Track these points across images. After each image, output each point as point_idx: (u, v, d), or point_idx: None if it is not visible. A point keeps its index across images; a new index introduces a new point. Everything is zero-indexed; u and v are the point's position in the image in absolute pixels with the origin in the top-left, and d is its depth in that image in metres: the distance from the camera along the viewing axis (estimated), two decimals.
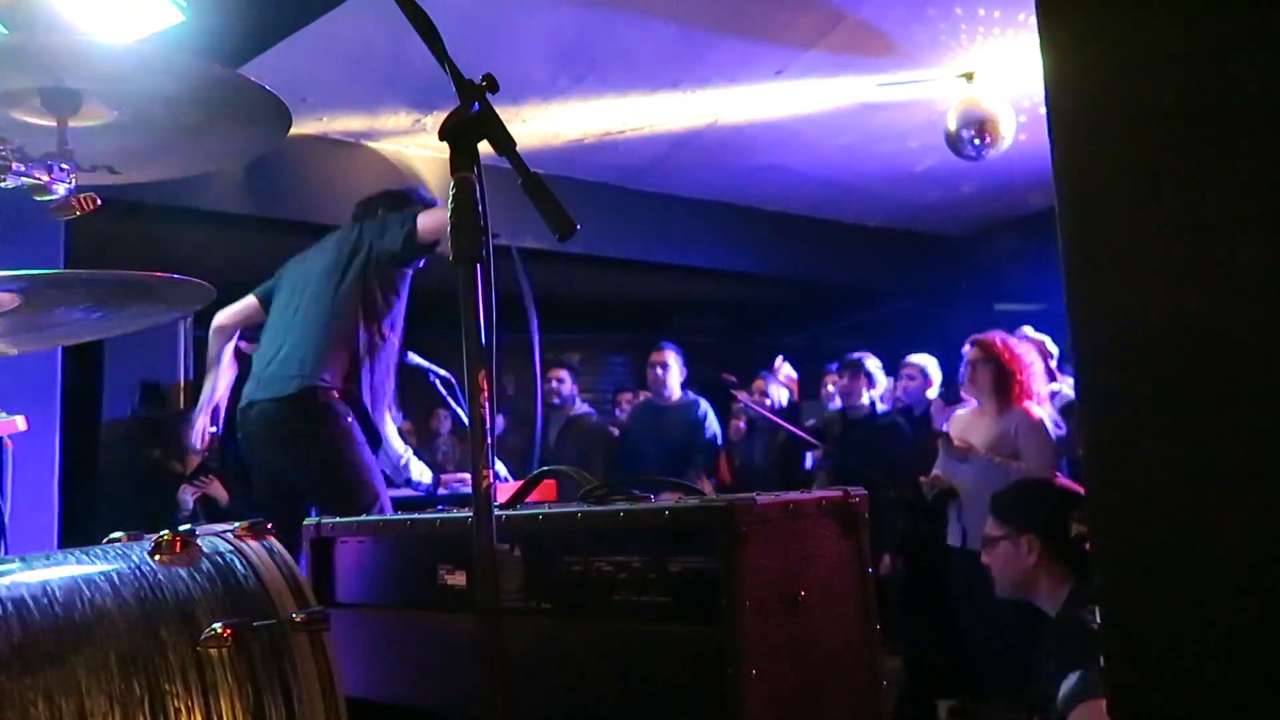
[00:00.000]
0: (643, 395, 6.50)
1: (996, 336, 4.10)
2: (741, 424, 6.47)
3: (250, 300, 3.40)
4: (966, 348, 4.16)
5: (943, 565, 4.40)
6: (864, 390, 5.37)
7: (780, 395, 6.42)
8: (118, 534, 1.45)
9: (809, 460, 5.69)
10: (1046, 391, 4.17)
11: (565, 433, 6.00)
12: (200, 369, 6.13)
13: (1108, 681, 1.25)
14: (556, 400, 6.05)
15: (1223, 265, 1.18)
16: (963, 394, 4.43)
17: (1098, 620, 1.30)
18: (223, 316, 3.41)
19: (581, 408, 6.23)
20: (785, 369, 6.67)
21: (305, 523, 2.03)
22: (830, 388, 6.14)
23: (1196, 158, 1.20)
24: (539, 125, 5.40)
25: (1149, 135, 1.25)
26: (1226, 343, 1.17)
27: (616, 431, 6.22)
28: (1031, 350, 4.16)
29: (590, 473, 1.94)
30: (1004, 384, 4.02)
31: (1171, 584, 1.20)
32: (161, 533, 1.37)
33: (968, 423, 4.23)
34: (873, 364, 5.40)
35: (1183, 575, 1.19)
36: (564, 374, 6.12)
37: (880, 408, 5.38)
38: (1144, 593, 1.22)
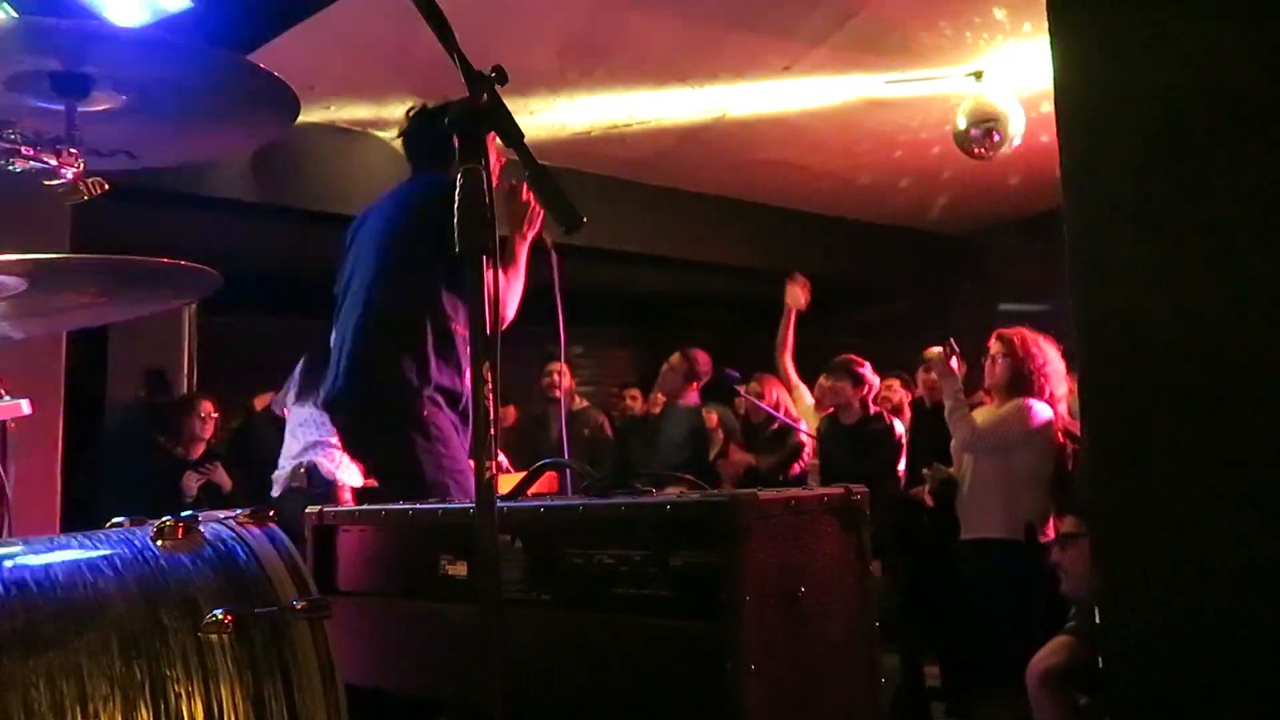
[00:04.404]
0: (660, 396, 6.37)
1: (1018, 334, 4.10)
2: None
3: None
4: (991, 341, 4.17)
5: (940, 562, 4.40)
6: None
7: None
8: (120, 519, 1.46)
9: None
10: (1062, 392, 4.15)
11: (569, 427, 6.01)
12: (204, 357, 6.14)
13: (1108, 684, 1.25)
14: (555, 393, 6.06)
15: (1226, 269, 1.18)
16: (982, 394, 4.41)
17: None
18: None
19: (581, 402, 6.24)
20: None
21: (306, 510, 2.04)
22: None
23: (1204, 161, 1.20)
24: (546, 117, 5.39)
25: (1157, 138, 1.24)
26: (1228, 346, 1.17)
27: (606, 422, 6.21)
28: (1053, 350, 4.14)
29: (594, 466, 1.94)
30: (1017, 381, 4.04)
31: (1171, 584, 1.20)
32: (164, 518, 1.37)
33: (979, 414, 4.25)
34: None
35: (1183, 575, 1.19)
36: (562, 366, 6.14)
37: (872, 410, 5.30)
38: (1143, 593, 1.22)
